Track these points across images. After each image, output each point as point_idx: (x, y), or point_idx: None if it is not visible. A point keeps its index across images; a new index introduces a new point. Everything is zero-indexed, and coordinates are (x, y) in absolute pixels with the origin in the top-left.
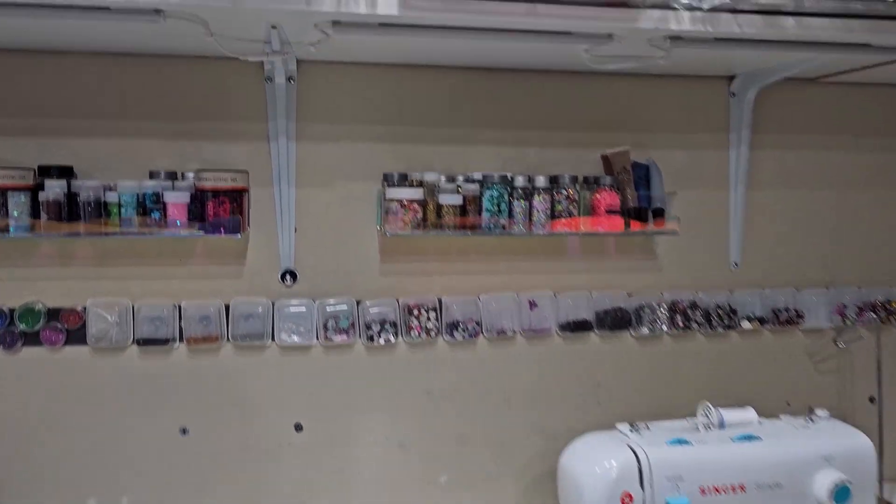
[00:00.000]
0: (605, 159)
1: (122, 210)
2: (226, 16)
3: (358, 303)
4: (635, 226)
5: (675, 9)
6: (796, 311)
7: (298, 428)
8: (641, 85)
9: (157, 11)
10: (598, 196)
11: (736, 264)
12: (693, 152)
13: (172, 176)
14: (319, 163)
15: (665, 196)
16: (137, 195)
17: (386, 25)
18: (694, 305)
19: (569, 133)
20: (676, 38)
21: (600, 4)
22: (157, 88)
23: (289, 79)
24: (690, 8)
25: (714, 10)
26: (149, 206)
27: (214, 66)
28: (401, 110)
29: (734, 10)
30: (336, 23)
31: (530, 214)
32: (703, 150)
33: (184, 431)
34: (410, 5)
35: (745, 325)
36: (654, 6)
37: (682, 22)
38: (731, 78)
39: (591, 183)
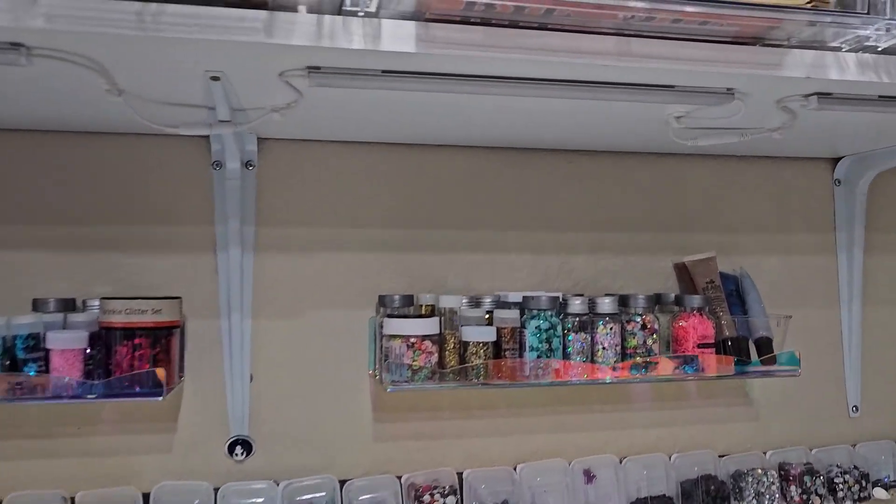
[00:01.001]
0: (682, 269)
1: None
2: (134, 55)
3: (342, 483)
4: (728, 361)
5: (837, 49)
6: None
7: None
8: (720, 169)
9: (17, 46)
10: (682, 324)
11: (856, 408)
12: (789, 258)
13: (68, 305)
14: (286, 282)
15: (768, 320)
16: (3, 339)
17: (393, 74)
18: (812, 471)
19: (627, 234)
20: (825, 96)
21: (722, 41)
22: (47, 175)
23: (246, 164)
24: (859, 48)
25: (888, 52)
26: (20, 357)
27: (135, 144)
28: (402, 206)
29: None
30: (313, 69)
31: (593, 353)
32: (802, 254)
33: None
34: (434, 38)
35: (880, 494)
36: (802, 45)
37: (845, 69)
38: (834, 161)
39: (672, 304)
